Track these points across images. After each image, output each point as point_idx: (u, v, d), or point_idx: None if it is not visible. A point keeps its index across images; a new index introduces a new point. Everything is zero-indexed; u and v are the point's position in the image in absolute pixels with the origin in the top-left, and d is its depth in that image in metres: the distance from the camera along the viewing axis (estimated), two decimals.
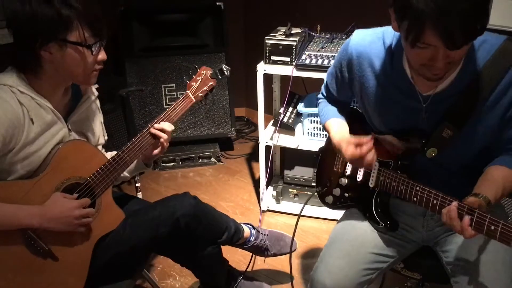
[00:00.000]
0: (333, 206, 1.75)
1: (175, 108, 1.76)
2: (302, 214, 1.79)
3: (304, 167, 2.88)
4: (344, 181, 1.68)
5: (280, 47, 2.54)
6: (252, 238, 2.12)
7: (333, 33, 2.78)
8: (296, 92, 2.91)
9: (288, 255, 2.08)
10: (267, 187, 2.99)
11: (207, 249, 1.89)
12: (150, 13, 3.40)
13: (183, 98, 1.78)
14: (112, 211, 1.64)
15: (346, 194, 1.69)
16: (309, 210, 2.81)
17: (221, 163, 3.56)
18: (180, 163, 3.51)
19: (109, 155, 1.70)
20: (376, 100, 1.50)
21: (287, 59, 2.55)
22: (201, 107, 3.48)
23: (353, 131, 1.64)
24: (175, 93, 3.42)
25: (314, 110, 2.63)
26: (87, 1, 1.42)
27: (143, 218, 1.71)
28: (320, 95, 1.83)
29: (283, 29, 2.70)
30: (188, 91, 1.81)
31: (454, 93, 1.35)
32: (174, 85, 3.42)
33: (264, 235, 2.18)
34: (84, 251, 1.58)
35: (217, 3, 3.40)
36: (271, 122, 2.92)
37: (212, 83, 1.85)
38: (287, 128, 2.76)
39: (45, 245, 1.48)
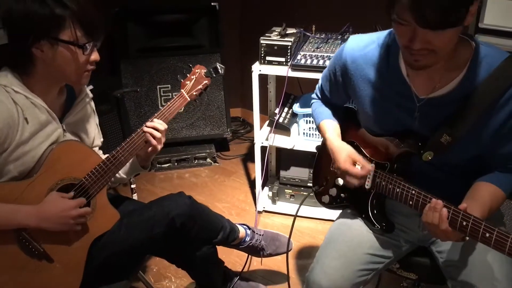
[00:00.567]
0: (329, 206, 1.74)
1: (170, 107, 1.75)
2: (298, 214, 1.78)
3: (300, 167, 2.88)
4: (340, 181, 1.67)
5: (275, 47, 2.54)
6: (248, 238, 2.11)
7: (328, 34, 2.79)
8: (292, 92, 2.91)
9: (283, 256, 2.08)
10: (263, 188, 2.98)
11: (202, 250, 1.88)
12: (145, 13, 3.40)
13: (177, 97, 1.78)
14: (107, 212, 1.63)
15: (343, 195, 1.69)
16: (305, 210, 2.81)
17: (217, 164, 3.56)
18: (176, 164, 3.50)
19: (104, 156, 1.69)
20: (371, 101, 1.50)
21: (282, 59, 2.55)
22: (197, 107, 3.47)
23: (347, 130, 1.64)
24: (170, 94, 3.42)
25: (309, 110, 2.60)
26: (82, 1, 1.42)
27: (138, 218, 1.70)
28: (314, 95, 1.83)
29: (278, 29, 2.70)
30: (182, 90, 1.80)
31: (451, 101, 1.35)
32: (169, 85, 3.41)
33: (260, 235, 2.18)
34: (80, 252, 1.57)
35: (212, 4, 3.39)
36: (267, 122, 2.92)
37: (206, 81, 1.84)
38: (283, 129, 2.76)
39: (40, 246, 1.48)
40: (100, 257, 1.61)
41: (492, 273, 1.38)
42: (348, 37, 2.31)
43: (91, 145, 1.74)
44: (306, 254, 2.57)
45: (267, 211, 2.95)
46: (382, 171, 1.50)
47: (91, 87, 1.82)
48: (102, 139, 1.81)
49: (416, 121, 1.42)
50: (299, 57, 2.53)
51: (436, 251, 1.55)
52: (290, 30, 2.71)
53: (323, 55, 2.51)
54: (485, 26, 2.17)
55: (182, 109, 1.81)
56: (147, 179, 3.35)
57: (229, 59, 3.60)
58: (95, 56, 1.50)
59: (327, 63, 2.43)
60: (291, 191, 2.91)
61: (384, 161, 1.51)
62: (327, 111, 1.74)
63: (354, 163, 1.51)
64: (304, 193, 2.85)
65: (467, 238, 1.26)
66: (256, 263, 2.39)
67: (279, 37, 2.58)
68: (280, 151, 2.94)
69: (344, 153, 1.53)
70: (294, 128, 2.83)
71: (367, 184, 1.54)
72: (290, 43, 2.52)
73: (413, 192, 1.38)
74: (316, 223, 2.83)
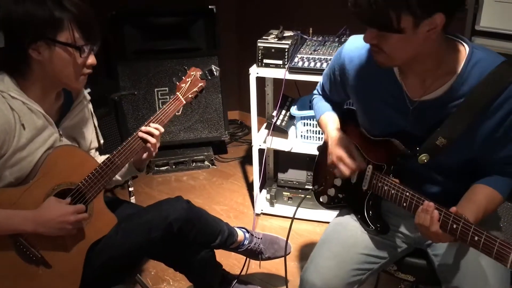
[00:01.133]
0: (327, 205, 1.76)
1: (165, 110, 1.75)
2: (296, 217, 1.79)
3: (298, 170, 2.88)
4: (338, 181, 1.69)
5: (273, 50, 2.54)
6: (246, 242, 2.11)
7: (325, 36, 2.79)
8: (289, 95, 2.91)
9: (282, 258, 2.07)
10: (260, 190, 2.98)
11: (200, 253, 1.88)
12: (142, 16, 3.40)
13: (173, 100, 1.78)
14: (104, 216, 1.63)
15: (340, 195, 1.70)
16: (303, 213, 2.81)
17: (215, 167, 3.55)
18: (174, 167, 3.49)
19: (101, 159, 1.69)
20: (367, 102, 1.53)
21: (280, 62, 2.55)
22: (194, 110, 3.47)
23: (347, 130, 1.66)
24: (168, 97, 3.41)
25: (307, 113, 2.64)
26: (80, 4, 1.43)
27: (135, 222, 1.70)
28: (315, 92, 1.86)
29: (275, 32, 2.70)
30: (178, 93, 1.80)
31: (443, 104, 1.35)
32: (167, 88, 3.41)
33: (258, 238, 2.17)
34: (77, 257, 1.57)
35: (210, 6, 3.40)
36: (264, 125, 2.92)
37: (201, 84, 1.85)
38: (280, 131, 2.76)
39: (37, 252, 1.48)
40: (97, 261, 1.61)
41: (486, 278, 1.38)
42: (345, 40, 2.32)
43: (88, 148, 1.74)
44: (305, 257, 2.57)
45: (265, 213, 2.95)
46: (379, 173, 1.51)
47: (88, 90, 1.82)
48: (102, 141, 1.81)
49: (410, 123, 1.43)
50: (296, 59, 2.53)
51: (432, 254, 1.55)
52: (287, 33, 2.71)
53: (321, 58, 2.51)
54: (481, 29, 2.17)
55: (180, 112, 1.82)
56: (145, 182, 3.35)
57: (227, 62, 3.60)
58: (92, 60, 1.50)
59: (325, 65, 2.44)
60: (289, 193, 2.91)
61: (381, 163, 1.52)
62: (327, 105, 1.77)
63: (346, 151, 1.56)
64: (302, 196, 2.85)
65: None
66: (255, 266, 2.38)
67: (276, 39, 2.58)
68: (278, 153, 2.94)
69: (342, 142, 1.57)
70: (291, 130, 2.83)
71: (364, 185, 1.55)
72: (287, 46, 2.52)
73: (407, 194, 1.40)
74: (314, 225, 2.83)
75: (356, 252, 1.55)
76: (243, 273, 2.27)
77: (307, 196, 1.87)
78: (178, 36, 3.45)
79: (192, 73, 1.85)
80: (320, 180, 1.81)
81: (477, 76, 1.30)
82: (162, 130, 1.72)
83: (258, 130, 2.82)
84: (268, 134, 2.75)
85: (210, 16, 3.43)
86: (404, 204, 1.41)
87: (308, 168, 2.82)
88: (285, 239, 1.87)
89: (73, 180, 1.55)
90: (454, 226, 1.24)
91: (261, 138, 2.79)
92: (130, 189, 2.61)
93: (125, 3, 3.39)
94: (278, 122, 2.76)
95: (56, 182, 1.52)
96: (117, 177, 1.76)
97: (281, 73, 2.53)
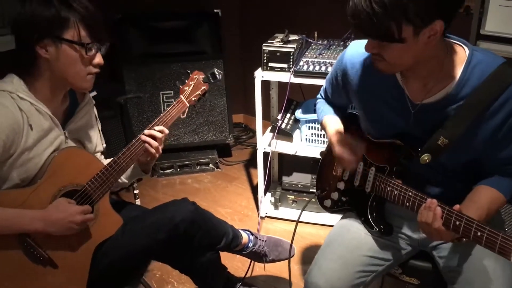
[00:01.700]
0: (331, 210, 1.76)
1: (169, 113, 1.77)
2: (300, 220, 1.79)
3: (302, 173, 2.88)
4: (342, 185, 1.70)
5: (278, 53, 2.56)
6: (250, 244, 2.11)
7: (330, 40, 2.80)
8: (294, 98, 2.92)
9: (286, 261, 2.08)
10: (265, 194, 2.99)
11: (205, 255, 1.88)
12: (148, 20, 3.41)
13: (176, 103, 1.80)
14: (110, 217, 1.64)
15: (344, 198, 1.71)
16: (308, 216, 2.81)
17: (219, 170, 3.56)
18: (178, 169, 3.50)
19: (106, 162, 1.70)
20: (369, 105, 1.54)
21: (285, 65, 2.56)
22: (199, 113, 3.48)
23: (350, 134, 1.67)
24: (173, 100, 3.40)
25: (312, 116, 2.64)
26: (87, 4, 1.46)
27: (141, 224, 1.70)
28: (319, 96, 1.87)
29: (280, 36, 2.72)
30: (181, 96, 1.82)
31: (444, 107, 1.36)
32: (172, 92, 3.42)
33: (263, 241, 2.18)
34: (83, 258, 1.58)
35: (215, 10, 3.41)
36: (269, 128, 2.93)
37: (204, 87, 1.87)
38: (285, 135, 2.76)
39: (44, 252, 1.49)
40: (103, 262, 1.62)
41: (493, 279, 1.38)
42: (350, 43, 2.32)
43: (94, 151, 1.75)
44: (309, 260, 2.56)
45: (270, 216, 2.95)
46: (382, 174, 1.52)
47: (94, 93, 1.84)
48: (104, 145, 1.82)
49: (412, 125, 1.44)
50: (301, 63, 2.54)
51: (437, 256, 1.55)
52: (293, 37, 2.73)
53: (325, 62, 2.52)
54: (486, 33, 2.17)
55: (185, 115, 1.83)
56: (150, 184, 3.36)
57: (232, 65, 3.62)
58: (99, 59, 1.52)
59: (329, 69, 2.44)
60: (293, 196, 2.91)
61: (384, 164, 1.53)
62: (330, 109, 1.78)
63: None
64: (306, 199, 2.85)
65: (464, 240, 1.28)
66: (259, 268, 2.39)
67: (281, 43, 2.59)
68: (282, 156, 2.94)
69: (341, 137, 1.62)
70: (296, 134, 2.84)
71: (367, 187, 1.57)
72: (292, 50, 2.53)
73: (410, 193, 1.41)
74: (318, 228, 2.83)
75: (360, 254, 1.55)
76: (248, 275, 2.28)
77: (312, 200, 1.88)
78: (183, 40, 3.46)
79: (195, 76, 1.87)
80: (323, 184, 1.81)
81: (477, 78, 1.31)
82: (167, 131, 1.73)
83: (263, 133, 2.82)
84: (272, 137, 2.76)
85: (215, 20, 3.44)
86: (407, 203, 1.42)
87: (313, 172, 2.82)
88: (289, 242, 1.87)
89: (79, 181, 1.56)
90: (457, 223, 1.25)
91: (265, 141, 2.80)
92: (135, 191, 2.63)
93: (130, 6, 3.41)
94: (283, 126, 2.77)
95: (62, 184, 1.53)
96: (123, 179, 1.78)
97: (286, 77, 2.54)
